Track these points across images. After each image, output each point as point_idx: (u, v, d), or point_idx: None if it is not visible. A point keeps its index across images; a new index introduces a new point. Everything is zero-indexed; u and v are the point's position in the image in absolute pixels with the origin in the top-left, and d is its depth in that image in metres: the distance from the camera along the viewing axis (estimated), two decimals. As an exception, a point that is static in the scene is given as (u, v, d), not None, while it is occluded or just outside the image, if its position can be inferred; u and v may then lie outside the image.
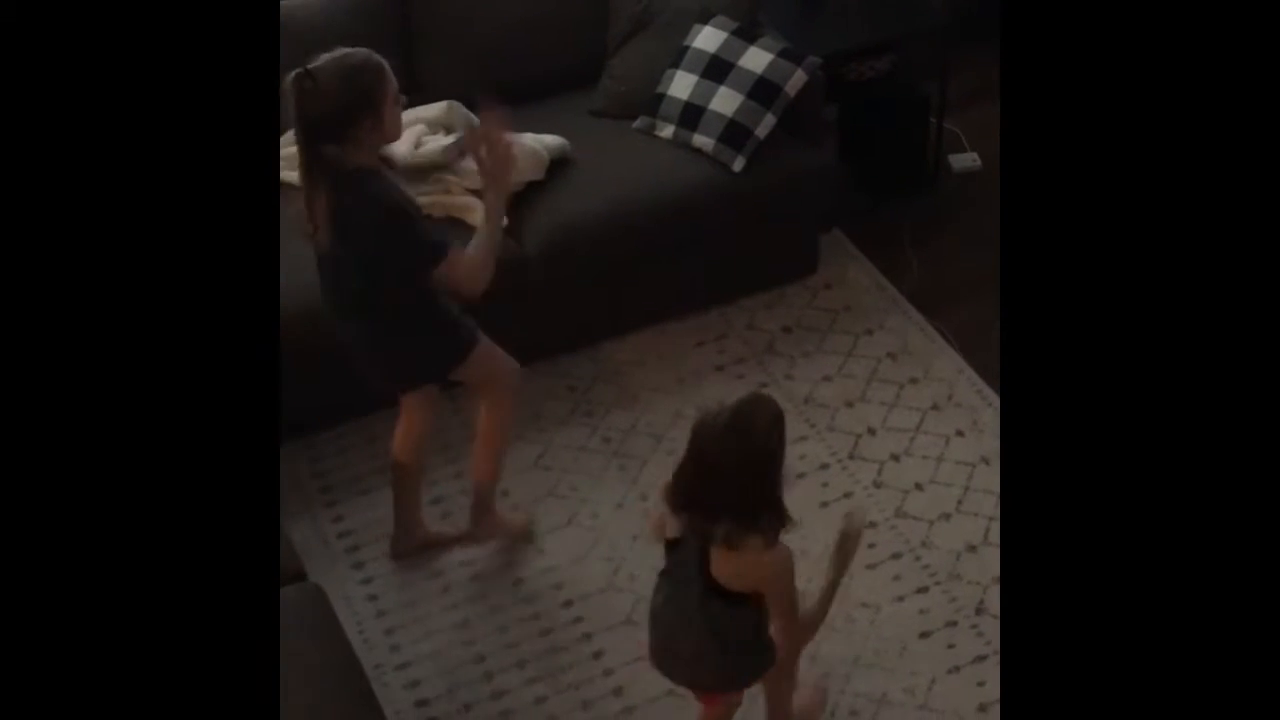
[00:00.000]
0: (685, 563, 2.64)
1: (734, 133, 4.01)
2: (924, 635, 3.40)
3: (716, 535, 2.53)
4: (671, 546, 2.69)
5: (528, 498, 3.76)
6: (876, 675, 3.32)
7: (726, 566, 2.58)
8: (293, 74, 2.84)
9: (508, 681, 3.36)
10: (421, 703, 3.33)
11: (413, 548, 3.62)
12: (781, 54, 4.06)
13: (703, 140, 4.04)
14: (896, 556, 3.57)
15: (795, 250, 4.34)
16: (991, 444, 3.83)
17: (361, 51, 2.93)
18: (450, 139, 3.88)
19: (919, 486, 3.75)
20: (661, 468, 3.79)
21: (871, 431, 3.89)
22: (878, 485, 3.76)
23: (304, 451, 3.89)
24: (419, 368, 3.29)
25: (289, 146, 3.76)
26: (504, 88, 4.15)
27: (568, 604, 3.51)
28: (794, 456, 3.75)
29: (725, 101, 4.02)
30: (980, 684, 3.30)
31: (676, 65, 4.11)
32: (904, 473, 3.78)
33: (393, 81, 2.94)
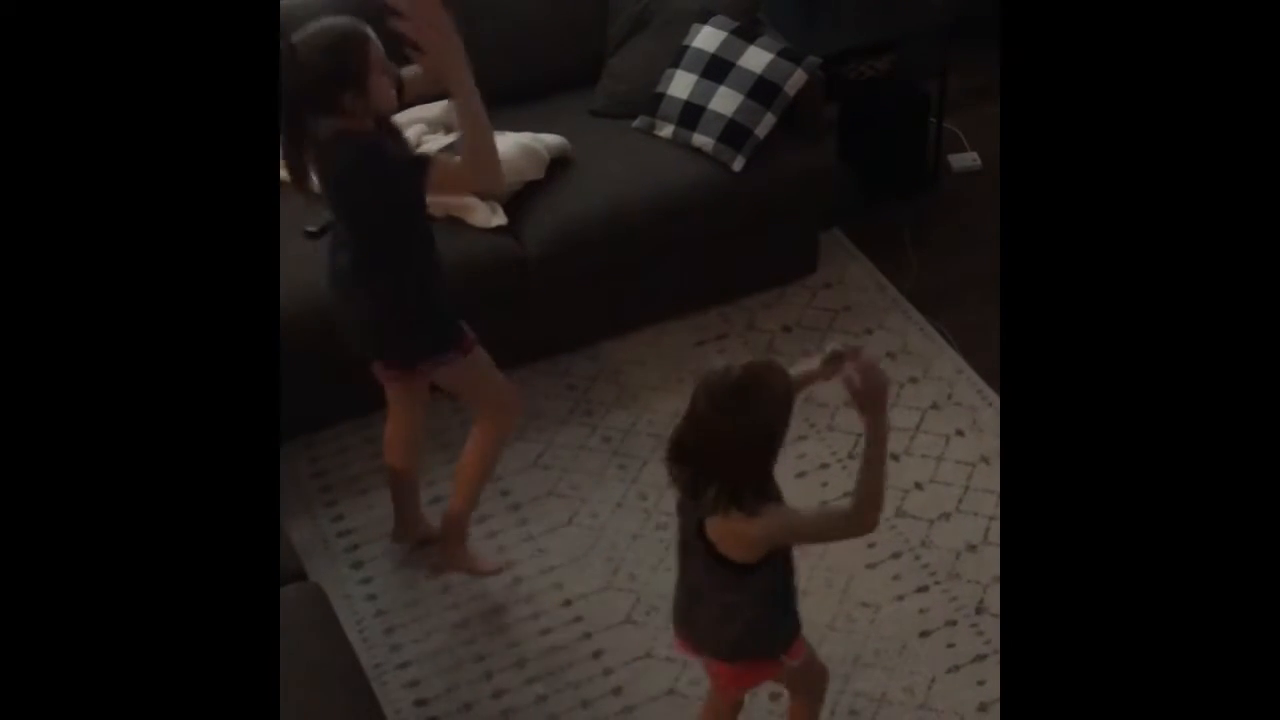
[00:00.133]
0: (687, 528, 2.61)
1: (734, 132, 4.01)
2: (924, 635, 3.41)
3: (705, 501, 2.47)
4: (679, 511, 2.63)
5: (527, 497, 3.76)
6: (876, 675, 3.32)
7: (719, 532, 2.52)
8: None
9: (507, 681, 3.36)
10: (421, 702, 3.33)
11: (415, 542, 3.62)
12: (781, 53, 4.06)
13: (702, 140, 4.04)
14: (896, 556, 3.57)
15: (795, 250, 4.34)
16: (991, 443, 3.83)
17: (344, 21, 2.86)
18: (450, 138, 3.88)
19: (919, 486, 3.75)
20: (661, 467, 3.76)
21: (871, 431, 3.89)
22: (877, 485, 3.76)
23: (304, 451, 3.89)
24: (391, 341, 3.17)
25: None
26: (504, 88, 4.17)
27: (567, 603, 3.52)
28: (794, 456, 3.76)
29: (725, 101, 4.02)
30: (980, 683, 3.30)
31: (676, 65, 4.11)
32: (904, 472, 3.78)
33: (377, 51, 2.85)
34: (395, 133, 3.09)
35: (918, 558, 3.57)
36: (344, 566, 3.62)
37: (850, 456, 3.81)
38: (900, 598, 3.49)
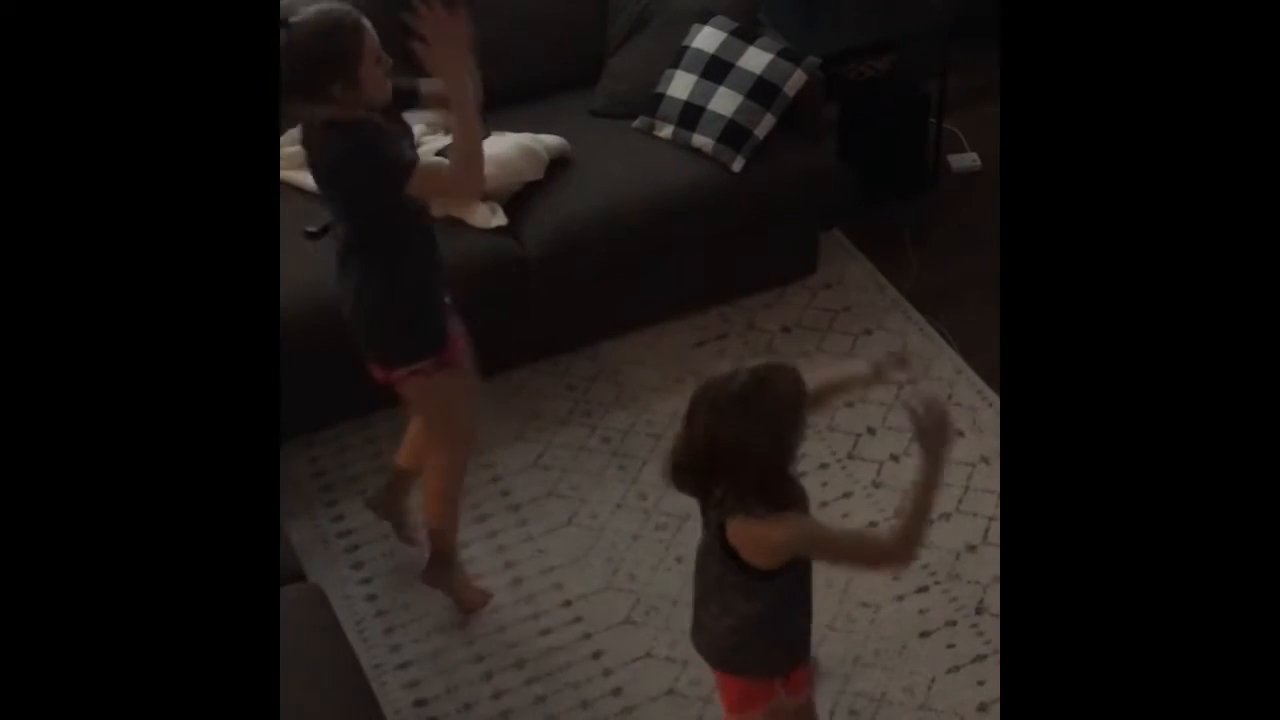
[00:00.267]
0: (708, 527, 2.52)
1: (733, 133, 4.01)
2: (924, 635, 3.41)
3: (714, 504, 2.41)
4: (701, 511, 2.54)
5: (527, 498, 3.76)
6: (876, 675, 3.32)
7: (740, 535, 2.43)
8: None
9: (507, 681, 3.36)
10: (420, 702, 3.33)
11: (387, 513, 3.59)
12: (781, 54, 4.06)
13: (702, 140, 4.04)
14: (896, 556, 3.57)
15: (795, 250, 4.34)
16: (991, 444, 3.83)
17: (340, 9, 2.82)
18: (450, 138, 3.88)
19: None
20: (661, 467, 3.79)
21: (871, 431, 3.89)
22: (877, 485, 3.76)
23: (304, 451, 3.89)
24: (371, 341, 3.11)
25: (289, 146, 3.77)
26: (504, 88, 4.18)
27: (567, 604, 3.52)
28: (794, 456, 3.76)
29: (724, 101, 4.02)
30: (980, 683, 3.30)
31: (676, 65, 4.11)
32: (903, 473, 3.78)
33: (372, 41, 2.82)
34: (402, 127, 3.03)
35: (917, 558, 3.56)
36: (344, 567, 3.62)
37: (850, 457, 3.81)
38: (900, 598, 3.48)
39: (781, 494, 2.43)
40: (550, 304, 3.98)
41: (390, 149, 2.89)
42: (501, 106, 4.12)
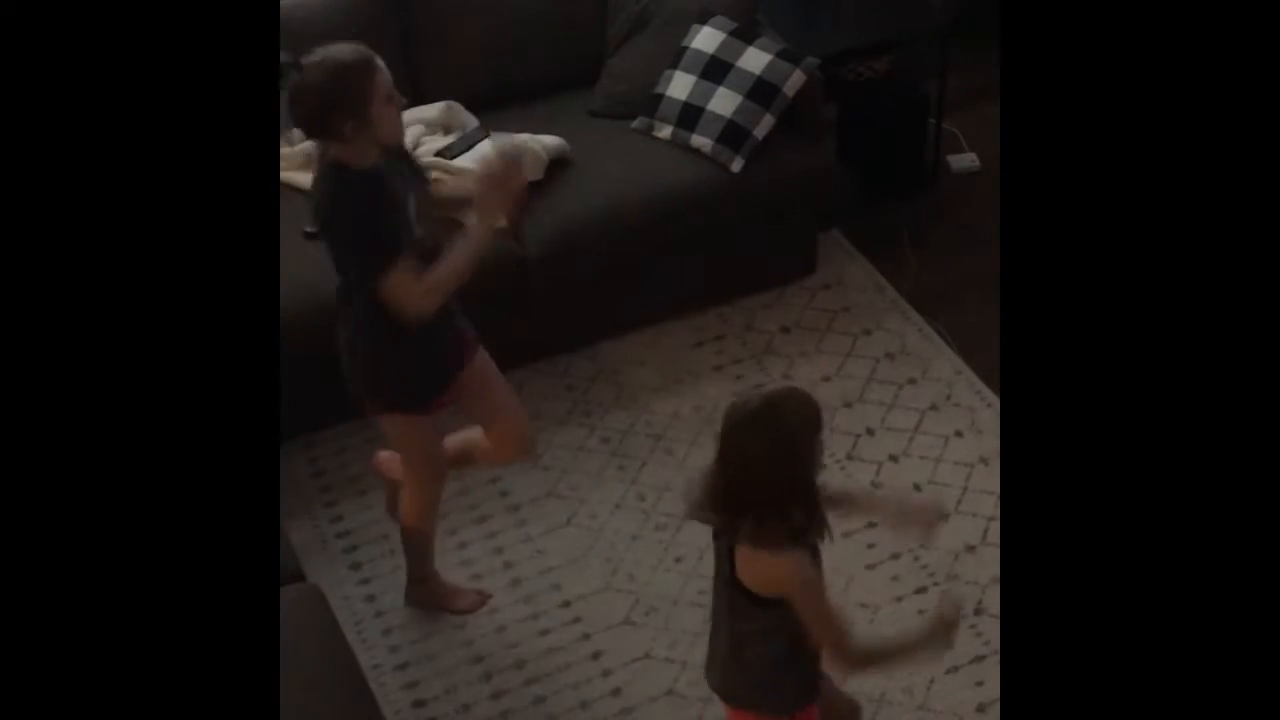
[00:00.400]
0: (720, 557, 2.53)
1: (732, 133, 4.01)
2: (923, 635, 3.41)
3: (740, 533, 2.42)
4: (715, 537, 2.56)
5: (526, 498, 3.76)
6: (875, 675, 3.32)
7: (748, 569, 2.46)
8: (282, 62, 2.77)
9: (506, 682, 3.36)
10: (420, 703, 3.33)
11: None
12: (780, 54, 4.06)
13: (701, 140, 4.04)
14: (895, 557, 3.57)
15: (794, 250, 4.34)
16: (990, 444, 3.83)
17: (351, 49, 2.81)
18: (450, 139, 3.88)
19: (917, 487, 3.75)
20: (661, 468, 3.80)
21: (870, 432, 3.90)
22: (876, 486, 3.76)
23: (304, 451, 3.89)
24: (355, 376, 3.09)
25: (289, 147, 3.78)
26: (504, 88, 4.18)
27: (566, 604, 3.51)
28: (793, 457, 3.76)
29: (724, 102, 4.02)
30: (979, 684, 3.30)
31: (675, 66, 4.11)
32: (902, 473, 3.78)
33: (384, 81, 2.81)
34: (412, 169, 3.02)
35: (916, 559, 3.57)
36: (343, 567, 3.62)
37: (849, 457, 3.81)
38: (899, 599, 3.48)
39: (812, 528, 2.47)
40: (550, 304, 3.98)
41: (386, 220, 2.85)
42: (502, 106, 4.13)
